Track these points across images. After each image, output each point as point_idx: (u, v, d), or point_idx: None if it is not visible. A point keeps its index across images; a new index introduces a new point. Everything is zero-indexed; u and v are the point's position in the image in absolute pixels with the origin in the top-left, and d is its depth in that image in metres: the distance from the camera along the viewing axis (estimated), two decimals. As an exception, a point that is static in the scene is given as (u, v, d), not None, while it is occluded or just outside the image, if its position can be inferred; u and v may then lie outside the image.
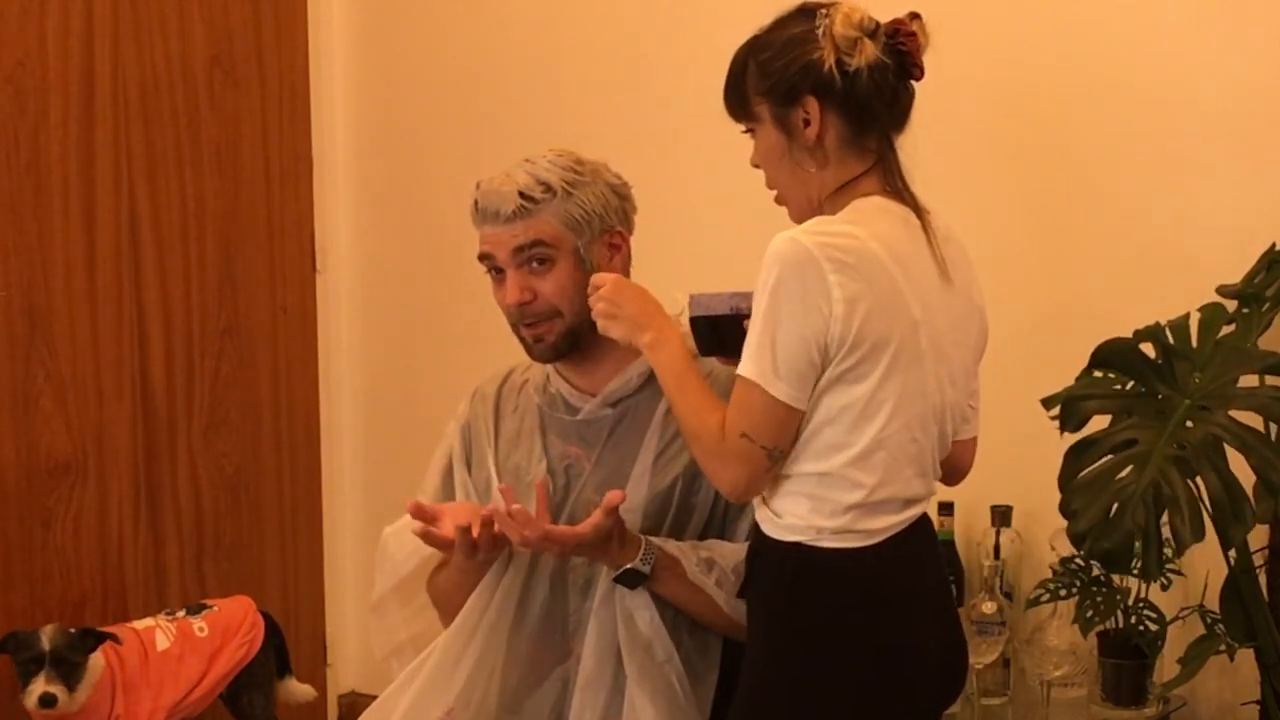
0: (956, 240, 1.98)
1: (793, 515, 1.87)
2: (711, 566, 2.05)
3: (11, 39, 3.21)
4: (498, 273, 2.14)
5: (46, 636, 2.83)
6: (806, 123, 1.89)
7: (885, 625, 1.88)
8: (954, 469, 2.07)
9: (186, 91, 3.52)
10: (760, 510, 1.92)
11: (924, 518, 1.98)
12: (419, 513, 2.07)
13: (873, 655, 1.87)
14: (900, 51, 1.90)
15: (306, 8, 3.77)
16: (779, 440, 1.84)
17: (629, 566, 2.02)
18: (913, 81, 1.93)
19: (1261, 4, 2.69)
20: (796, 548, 1.87)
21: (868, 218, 1.86)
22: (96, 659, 2.90)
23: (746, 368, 1.83)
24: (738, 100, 1.96)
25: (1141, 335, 2.45)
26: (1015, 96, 2.90)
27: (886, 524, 1.87)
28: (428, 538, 2.07)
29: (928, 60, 1.94)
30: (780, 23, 1.93)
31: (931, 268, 1.89)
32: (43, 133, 3.27)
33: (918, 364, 1.85)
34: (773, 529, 1.90)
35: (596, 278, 2.06)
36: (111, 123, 3.38)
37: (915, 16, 1.93)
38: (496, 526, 2.01)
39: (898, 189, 1.92)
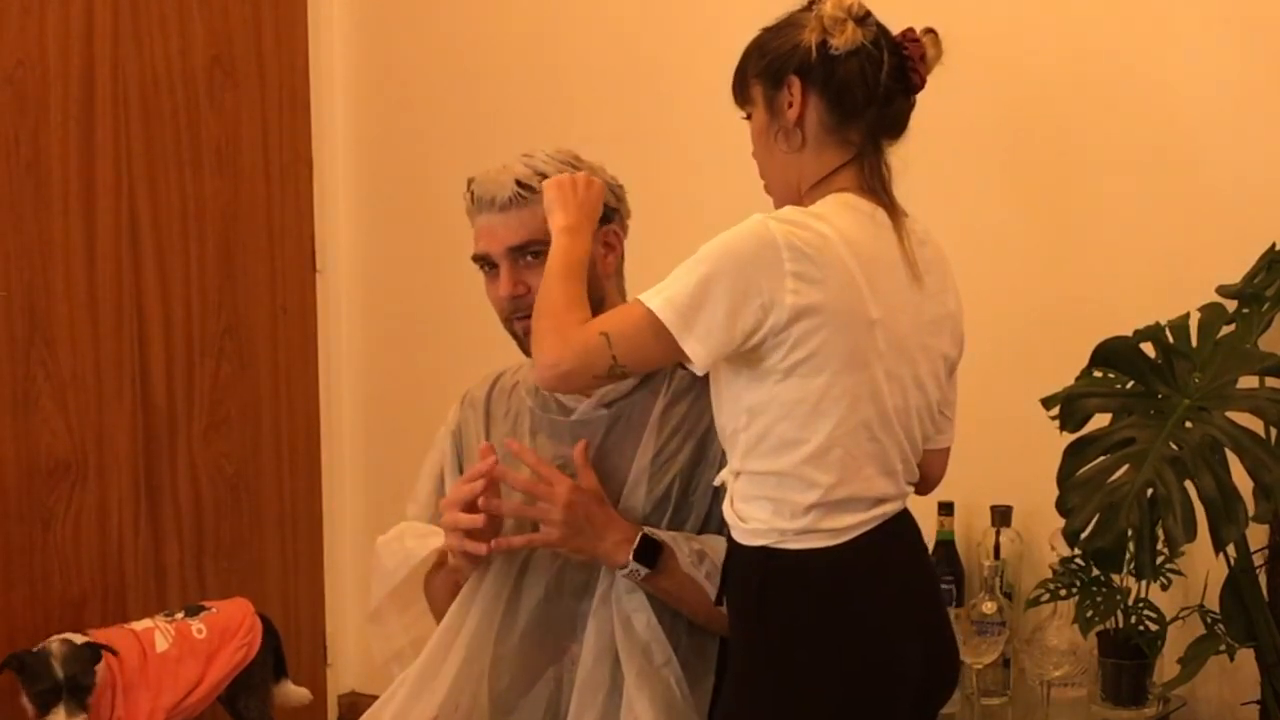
0: (935, 244, 1.97)
1: (756, 520, 1.87)
2: (702, 559, 2.01)
3: (11, 39, 3.21)
4: (491, 268, 2.13)
5: (58, 662, 2.83)
6: (790, 104, 1.90)
7: (854, 625, 1.86)
8: (924, 478, 2.03)
9: (186, 91, 3.52)
10: (728, 515, 1.91)
11: (904, 521, 1.95)
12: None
13: (841, 655, 1.85)
14: (902, 55, 1.90)
15: (306, 8, 3.78)
16: (635, 365, 1.87)
17: (644, 533, 1.98)
18: (913, 92, 1.93)
19: (1262, 4, 2.69)
20: (763, 551, 1.86)
21: (836, 213, 1.86)
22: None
23: (663, 309, 1.80)
24: (740, 83, 1.98)
25: (1141, 335, 2.45)
26: (1015, 96, 2.90)
27: (852, 522, 1.86)
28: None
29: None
30: (790, 12, 1.95)
31: (901, 269, 1.89)
32: (43, 133, 3.27)
33: (875, 363, 1.84)
34: (739, 534, 1.89)
35: (582, 168, 2.08)
36: (111, 123, 3.38)
37: (930, 31, 1.93)
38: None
39: (874, 188, 1.91)
